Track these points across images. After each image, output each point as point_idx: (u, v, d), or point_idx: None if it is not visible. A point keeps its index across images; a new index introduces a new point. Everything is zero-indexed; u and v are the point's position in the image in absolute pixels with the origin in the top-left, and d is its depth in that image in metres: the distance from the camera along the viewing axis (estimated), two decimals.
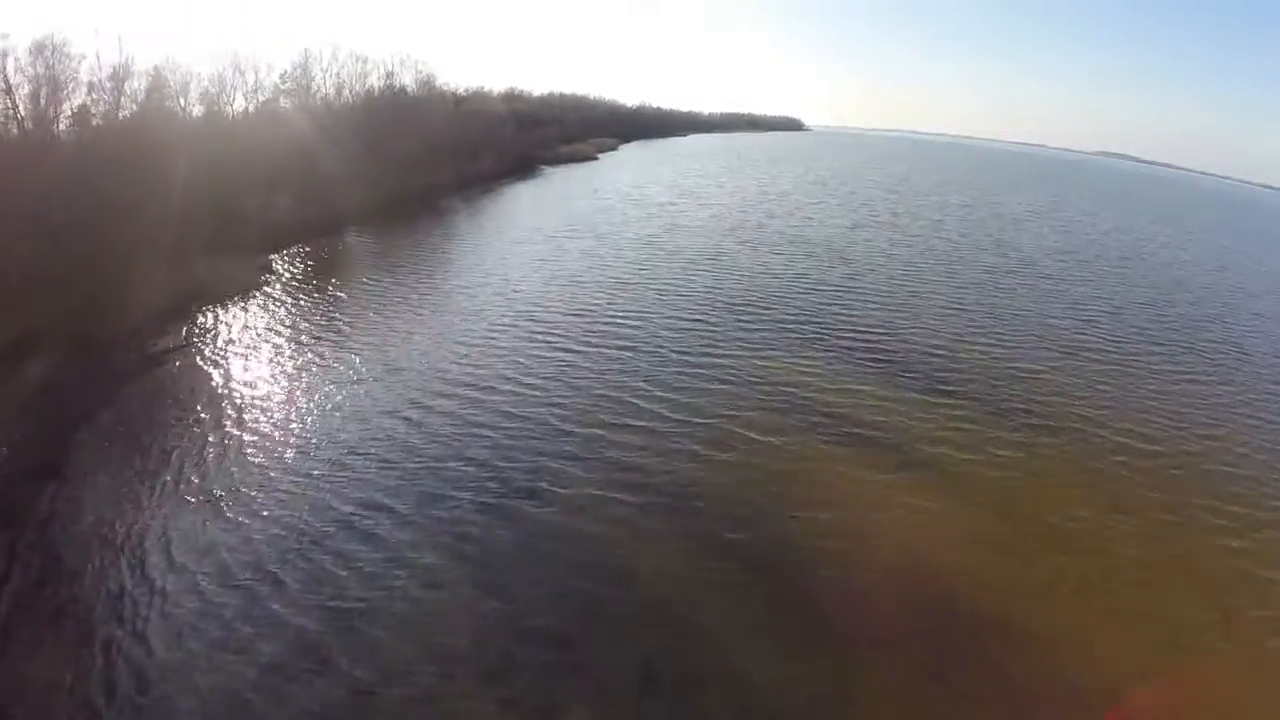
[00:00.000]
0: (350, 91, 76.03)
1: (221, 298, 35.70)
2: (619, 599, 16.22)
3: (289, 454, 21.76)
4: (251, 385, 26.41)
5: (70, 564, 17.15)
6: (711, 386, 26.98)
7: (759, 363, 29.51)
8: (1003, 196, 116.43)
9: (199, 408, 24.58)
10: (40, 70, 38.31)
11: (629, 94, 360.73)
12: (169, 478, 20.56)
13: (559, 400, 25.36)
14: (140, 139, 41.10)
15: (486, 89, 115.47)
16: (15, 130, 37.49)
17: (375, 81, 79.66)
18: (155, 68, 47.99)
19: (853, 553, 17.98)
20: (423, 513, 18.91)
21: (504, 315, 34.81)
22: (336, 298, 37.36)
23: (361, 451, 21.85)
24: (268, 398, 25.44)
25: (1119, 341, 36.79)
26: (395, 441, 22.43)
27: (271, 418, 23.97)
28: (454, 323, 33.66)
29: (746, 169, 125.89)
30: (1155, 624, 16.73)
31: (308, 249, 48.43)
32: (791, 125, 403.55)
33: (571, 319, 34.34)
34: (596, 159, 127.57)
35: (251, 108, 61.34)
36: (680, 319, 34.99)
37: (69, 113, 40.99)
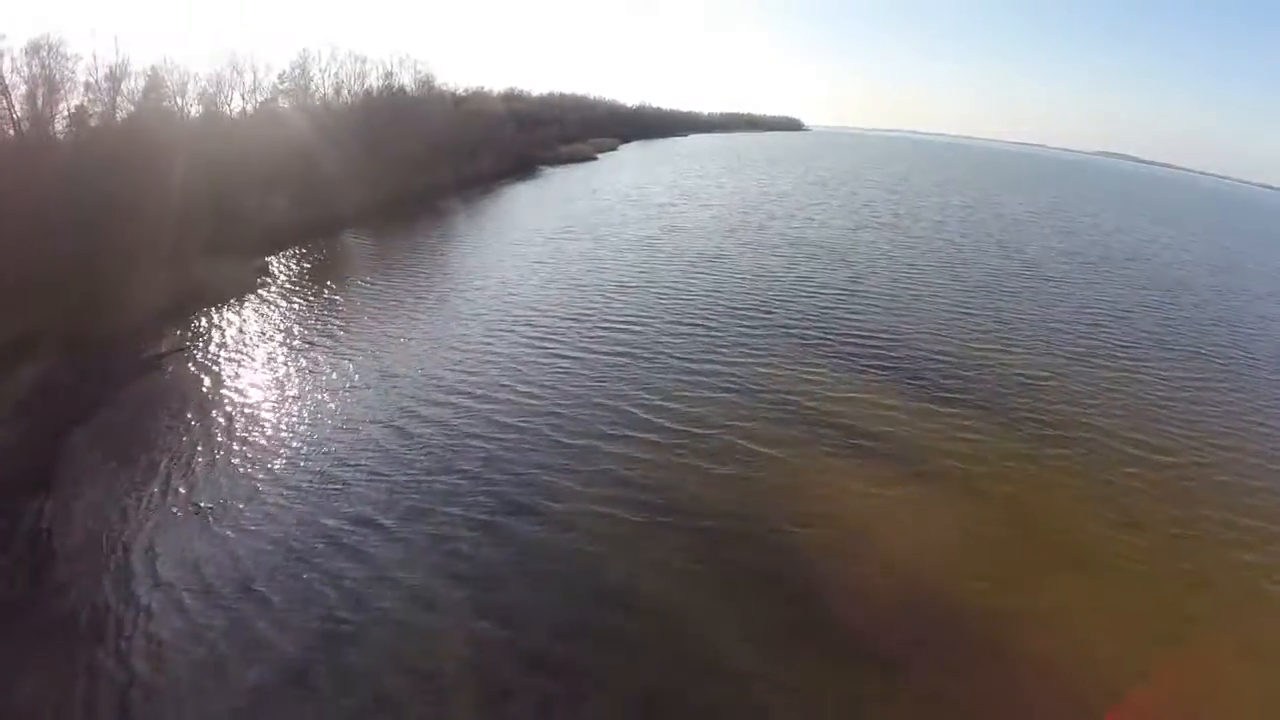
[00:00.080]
0: (349, 91, 75.79)
1: (218, 300, 35.41)
2: (619, 622, 15.62)
3: (278, 464, 21.24)
4: (244, 392, 25.95)
5: (57, 580, 16.79)
6: (713, 395, 26.34)
7: (761, 369, 28.89)
8: (1004, 197, 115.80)
9: (190, 415, 24.19)
10: (36, 70, 37.96)
11: (629, 94, 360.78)
12: (158, 489, 20.16)
13: (555, 409, 24.75)
14: (137, 139, 40.91)
15: (486, 89, 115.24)
16: (11, 131, 37.12)
17: (374, 82, 79.44)
18: (152, 68, 47.77)
19: (859, 570, 17.40)
20: (413, 528, 18.32)
21: (501, 319, 34.25)
22: (332, 301, 36.89)
23: (352, 462, 21.29)
24: (260, 405, 24.95)
25: (1126, 346, 36.19)
26: (386, 452, 21.87)
27: (262, 426, 23.46)
28: (450, 327, 33.09)
29: (746, 169, 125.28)
30: (1170, 644, 16.14)
31: (305, 250, 48.10)
32: (791, 125, 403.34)
33: (569, 323, 33.77)
34: (596, 159, 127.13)
35: (249, 108, 61.04)
36: (680, 323, 34.41)
37: (66, 113, 40.70)
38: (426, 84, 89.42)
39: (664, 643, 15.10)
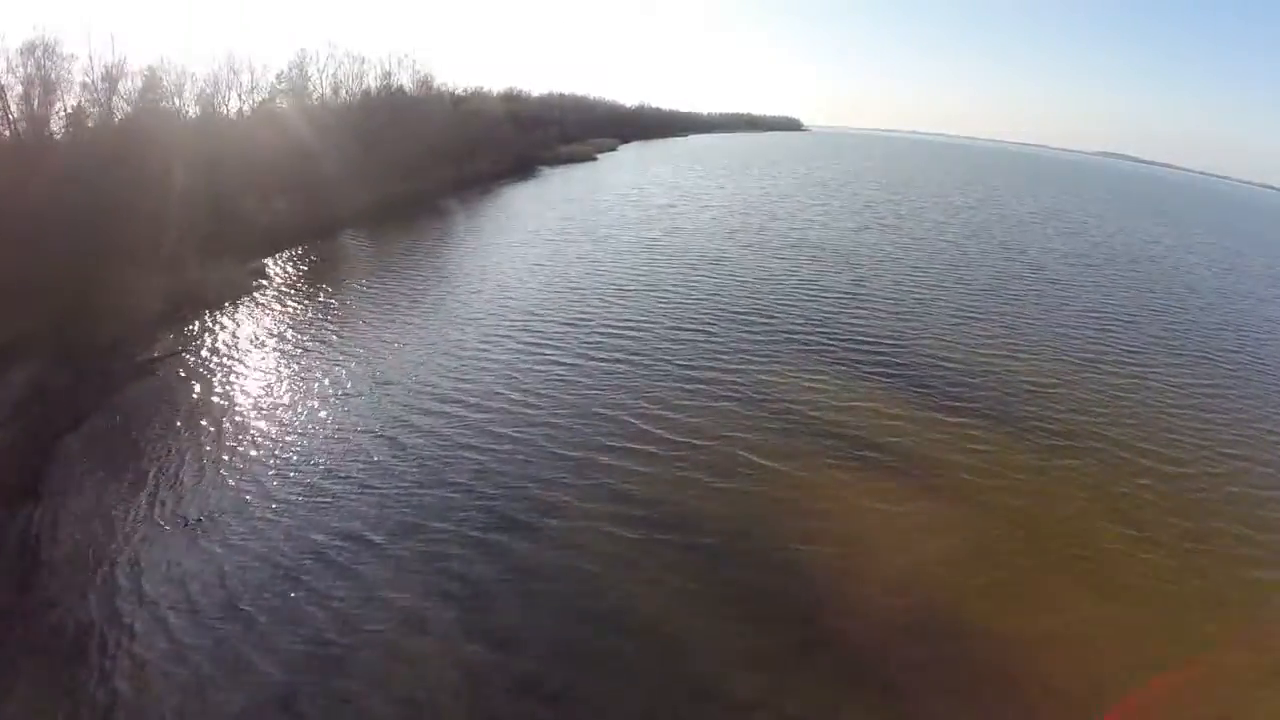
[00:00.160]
0: (347, 91, 75.38)
1: (213, 303, 35.00)
2: (615, 644, 15.02)
3: (268, 476, 20.72)
4: (235, 399, 25.48)
5: (43, 593, 16.43)
6: (713, 404, 25.71)
7: (763, 377, 28.26)
8: (1006, 198, 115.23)
9: (181, 422, 23.78)
10: (31, 71, 37.58)
11: (628, 94, 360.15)
12: (146, 500, 19.74)
13: (551, 419, 24.12)
14: (134, 140, 40.61)
15: (485, 89, 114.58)
16: (7, 133, 36.75)
17: (372, 82, 79.05)
18: (150, 68, 47.43)
19: (864, 588, 16.81)
20: (403, 545, 17.72)
21: (497, 324, 33.68)
22: (327, 305, 36.43)
23: (342, 474, 20.73)
24: (250, 413, 24.46)
25: (1134, 352, 35.60)
26: (377, 464, 21.29)
27: (252, 435, 22.97)
28: (446, 332, 32.52)
29: (746, 170, 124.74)
30: (1184, 667, 15.53)
31: (302, 252, 47.71)
32: (791, 125, 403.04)
33: (567, 329, 33.18)
34: (595, 159, 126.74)
35: (246, 108, 60.64)
36: (681, 329, 33.79)
37: (62, 114, 40.40)
38: (425, 84, 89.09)
39: (662, 666, 14.52)
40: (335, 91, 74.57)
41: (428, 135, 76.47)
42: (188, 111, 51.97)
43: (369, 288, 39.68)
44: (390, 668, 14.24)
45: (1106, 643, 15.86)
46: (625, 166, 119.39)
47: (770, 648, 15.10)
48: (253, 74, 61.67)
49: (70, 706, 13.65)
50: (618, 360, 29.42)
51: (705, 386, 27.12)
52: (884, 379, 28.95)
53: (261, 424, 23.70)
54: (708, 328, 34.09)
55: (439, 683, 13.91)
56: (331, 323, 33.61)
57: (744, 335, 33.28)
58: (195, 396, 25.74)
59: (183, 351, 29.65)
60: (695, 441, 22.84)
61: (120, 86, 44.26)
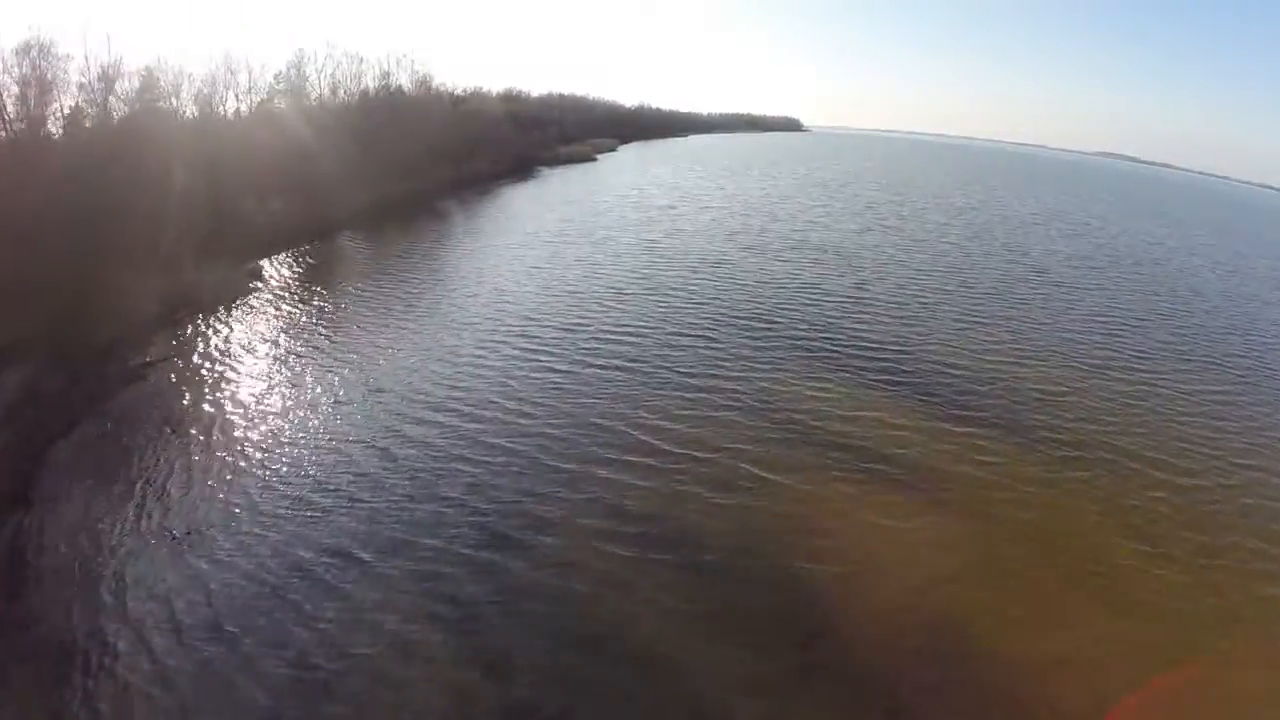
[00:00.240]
0: (345, 92, 74.96)
1: (209, 306, 34.62)
2: (612, 669, 14.43)
3: (256, 488, 20.17)
4: (226, 407, 24.96)
5: (26, 609, 16.01)
6: (714, 414, 25.04)
7: (765, 385, 27.60)
8: (1007, 198, 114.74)
9: (172, 431, 23.33)
10: (27, 71, 37.18)
11: (628, 94, 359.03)
12: (133, 513, 19.24)
13: (547, 429, 23.45)
14: (131, 140, 40.29)
15: (484, 89, 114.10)
16: (3, 133, 36.35)
17: (370, 82, 78.59)
18: (147, 68, 47.08)
19: (870, 609, 16.20)
20: (393, 563, 17.10)
21: (493, 329, 33.11)
22: (323, 308, 35.93)
23: (332, 487, 20.13)
24: (242, 421, 23.92)
25: (1143, 357, 34.97)
26: (368, 476, 20.69)
27: (243, 445, 22.43)
28: (441, 338, 31.93)
29: (747, 170, 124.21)
30: (1202, 689, 15.08)
31: (300, 253, 47.37)
32: (791, 126, 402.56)
33: (565, 334, 32.57)
34: (595, 160, 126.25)
35: (244, 108, 60.24)
36: (681, 334, 33.17)
37: (58, 114, 40.04)
38: (424, 84, 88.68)
39: (659, 692, 13.94)
40: (333, 91, 74.28)
41: (426, 135, 76.06)
42: (185, 112, 51.62)
43: (365, 291, 39.14)
44: (378, 693, 13.67)
45: (1118, 662, 15.30)
46: (625, 167, 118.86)
47: (772, 672, 14.52)
48: (250, 74, 61.34)
49: None
50: (616, 367, 28.79)
51: (705, 395, 26.48)
52: (889, 386, 28.31)
53: (252, 433, 23.17)
54: (708, 333, 33.50)
55: (427, 709, 13.34)
56: (326, 327, 33.07)
57: (745, 340, 32.66)
58: (186, 403, 25.30)
59: (176, 356, 29.25)
60: (695, 454, 22.18)
61: (117, 87, 44.02)
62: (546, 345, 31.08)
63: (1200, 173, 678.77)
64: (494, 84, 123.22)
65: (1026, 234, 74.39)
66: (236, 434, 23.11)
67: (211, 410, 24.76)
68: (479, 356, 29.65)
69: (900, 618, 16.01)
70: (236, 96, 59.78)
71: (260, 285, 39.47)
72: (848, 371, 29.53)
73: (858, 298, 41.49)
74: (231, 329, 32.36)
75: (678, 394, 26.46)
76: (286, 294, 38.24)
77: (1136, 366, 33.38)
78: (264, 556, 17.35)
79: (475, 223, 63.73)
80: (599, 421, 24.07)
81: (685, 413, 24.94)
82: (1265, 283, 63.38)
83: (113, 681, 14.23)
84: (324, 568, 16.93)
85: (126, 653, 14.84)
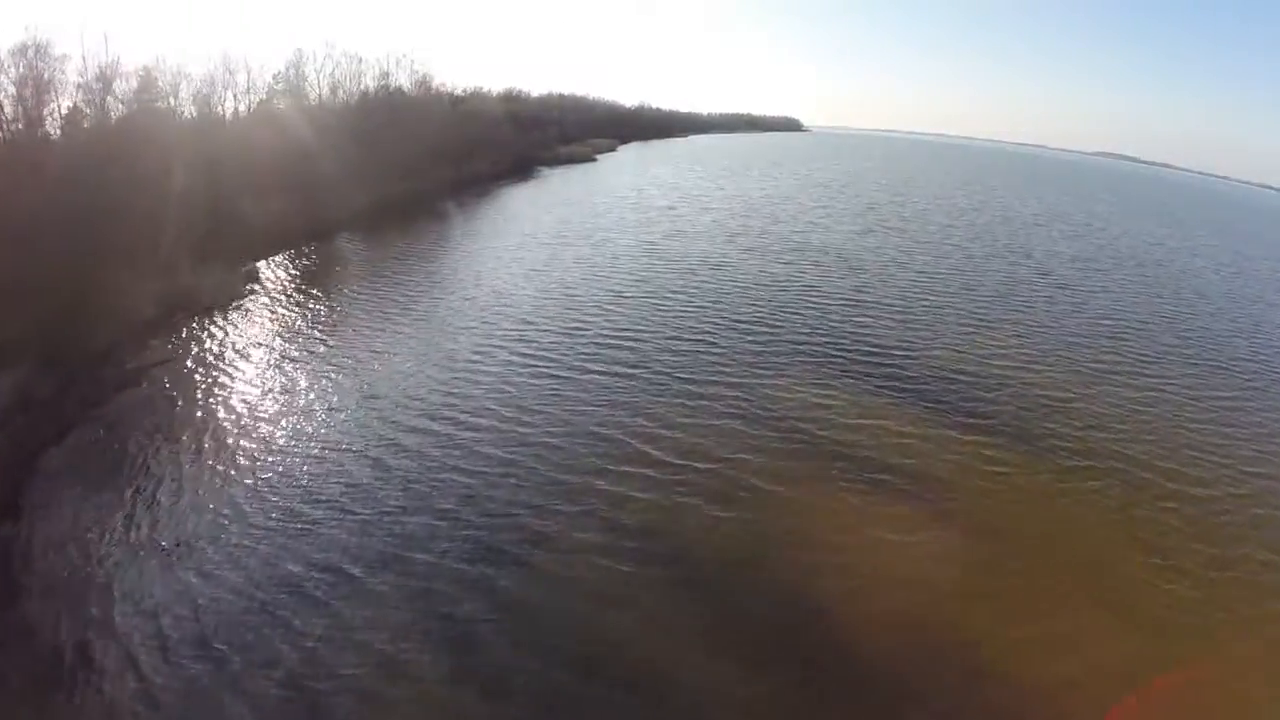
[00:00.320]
0: (344, 92, 74.68)
1: (205, 309, 34.28)
2: (612, 691, 13.98)
3: (247, 498, 19.74)
4: (218, 414, 24.60)
5: (12, 622, 15.75)
6: (715, 422, 24.48)
7: (767, 391, 27.07)
8: (1009, 199, 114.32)
9: (163, 439, 22.95)
10: (23, 71, 36.86)
11: (628, 94, 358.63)
12: (122, 523, 18.88)
13: (544, 439, 22.90)
14: (128, 141, 39.99)
15: (484, 89, 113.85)
16: (1, 134, 36.02)
17: (370, 82, 78.29)
18: (145, 68, 46.77)
19: (877, 628, 15.71)
20: (383, 579, 16.62)
21: (490, 334, 32.62)
22: (319, 312, 35.51)
23: (323, 498, 19.68)
24: (233, 429, 23.51)
25: (1149, 362, 34.46)
26: (360, 487, 20.22)
27: (234, 454, 22.02)
28: (437, 342, 31.46)
29: (747, 171, 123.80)
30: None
31: (297, 254, 47.00)
32: (791, 126, 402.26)
33: (563, 339, 32.05)
34: (595, 160, 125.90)
35: (242, 108, 59.94)
36: (680, 338, 32.66)
37: (57, 115, 39.77)
38: (423, 84, 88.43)
39: (660, 714, 13.50)
40: (333, 92, 74.09)
41: (426, 136, 75.71)
42: (184, 112, 51.33)
43: (362, 293, 38.72)
44: (367, 715, 13.25)
45: (1131, 684, 14.86)
46: (625, 167, 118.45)
47: (775, 691, 14.09)
48: (249, 74, 61.13)
49: None
50: (614, 373, 28.28)
51: (706, 402, 25.97)
52: (894, 393, 27.78)
53: (244, 440, 22.74)
54: (709, 337, 33.00)
55: None
56: (321, 331, 32.64)
57: (747, 345, 32.15)
58: (179, 410, 24.95)
59: (171, 360, 28.91)
60: (696, 464, 21.65)
61: (115, 87, 43.77)
62: (544, 349, 30.62)
63: (1200, 173, 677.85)
64: (494, 84, 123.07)
65: (1029, 235, 73.92)
66: (228, 441, 22.71)
67: (204, 417, 24.40)
68: (475, 361, 29.18)
69: (906, 635, 15.55)
70: (235, 97, 59.62)
71: (257, 288, 39.08)
72: (851, 377, 29.02)
73: (861, 301, 40.99)
74: (227, 333, 31.94)
75: (678, 401, 25.96)
76: (283, 297, 37.82)
77: (1143, 371, 32.89)
78: (253, 570, 16.93)
79: (474, 224, 63.31)
80: (597, 430, 23.57)
81: (685, 420, 24.44)
82: (1269, 284, 62.99)
83: (99, 699, 13.92)
84: (313, 583, 16.47)
85: (113, 670, 14.51)
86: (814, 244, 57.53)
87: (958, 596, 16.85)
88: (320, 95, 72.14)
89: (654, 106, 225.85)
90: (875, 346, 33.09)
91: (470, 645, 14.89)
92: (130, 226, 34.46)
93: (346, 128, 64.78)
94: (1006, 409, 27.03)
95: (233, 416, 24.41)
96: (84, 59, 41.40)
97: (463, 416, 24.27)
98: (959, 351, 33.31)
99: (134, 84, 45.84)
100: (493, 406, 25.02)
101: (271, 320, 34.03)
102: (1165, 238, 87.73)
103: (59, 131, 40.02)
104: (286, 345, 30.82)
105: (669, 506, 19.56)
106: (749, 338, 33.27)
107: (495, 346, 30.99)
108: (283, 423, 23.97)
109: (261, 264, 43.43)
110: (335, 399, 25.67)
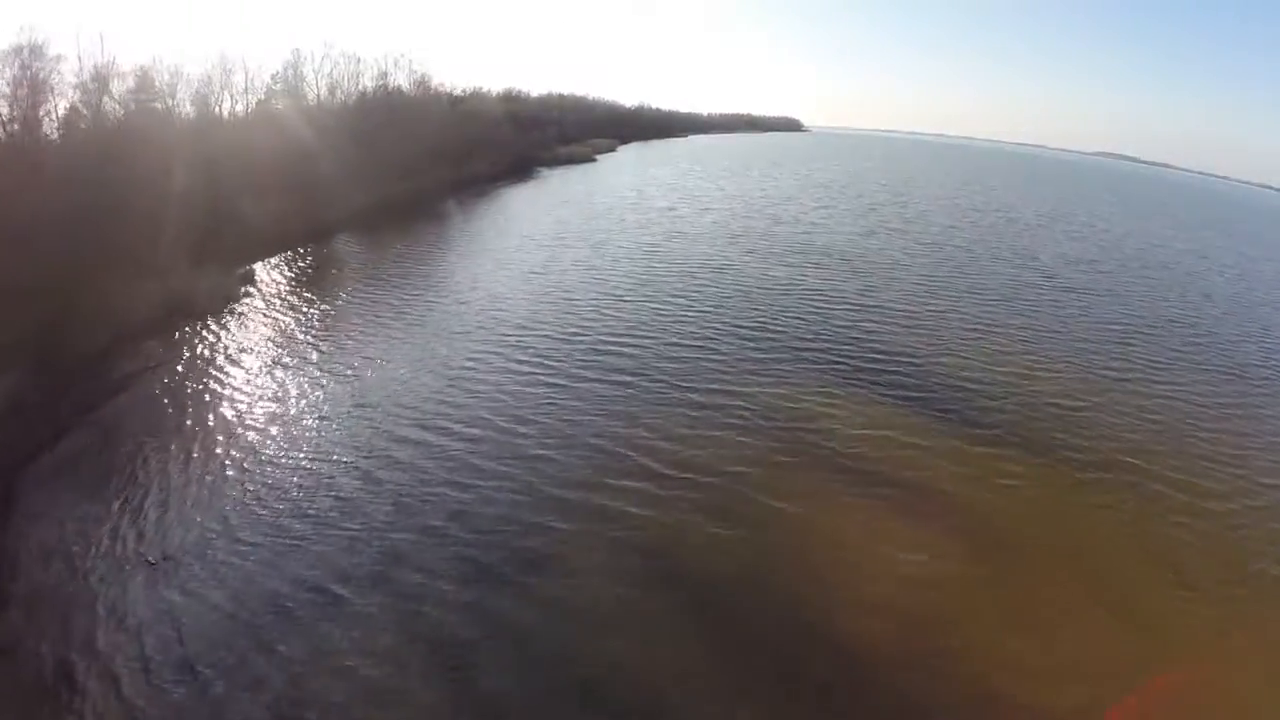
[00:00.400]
0: (343, 92, 74.23)
1: (200, 312, 33.82)
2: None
3: (234, 511, 19.18)
4: (208, 423, 24.07)
5: None
6: (717, 433, 23.72)
7: (771, 401, 26.29)
8: (1010, 199, 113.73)
9: (152, 448, 22.46)
10: (18, 72, 36.43)
11: (628, 94, 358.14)
12: (107, 536, 18.38)
13: (540, 451, 22.18)
14: (125, 141, 39.65)
15: (484, 89, 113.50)
16: None
17: (368, 82, 77.88)
18: (141, 68, 46.34)
19: (887, 656, 15.05)
20: (372, 599, 15.96)
21: (487, 339, 31.97)
22: (314, 315, 34.97)
23: (312, 513, 19.05)
24: (223, 439, 22.95)
25: (1159, 368, 33.76)
26: (350, 501, 19.56)
27: (222, 464, 21.48)
28: (433, 348, 30.82)
29: (747, 171, 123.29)
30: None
31: (294, 256, 46.53)
32: (791, 126, 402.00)
33: (561, 345, 31.38)
34: (595, 160, 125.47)
35: (240, 109, 59.56)
36: (680, 344, 31.98)
37: (53, 116, 39.36)
38: (422, 84, 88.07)
39: None
40: (331, 92, 73.76)
41: (425, 136, 75.33)
42: (181, 112, 50.88)
43: (358, 297, 38.15)
44: None
45: (1151, 711, 14.33)
46: (625, 168, 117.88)
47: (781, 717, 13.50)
48: (247, 74, 60.72)
49: None
50: (613, 381, 27.58)
51: (707, 411, 25.24)
52: (899, 401, 27.04)
53: (233, 451, 22.14)
54: (710, 343, 32.28)
55: None
56: (315, 336, 32.08)
57: (749, 352, 31.42)
58: (169, 417, 24.48)
59: (163, 365, 28.48)
60: (698, 479, 20.90)
61: (112, 87, 43.34)
62: (541, 356, 29.98)
63: (1200, 173, 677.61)
64: (493, 84, 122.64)
65: (1033, 236, 73.26)
66: (217, 451, 22.18)
67: (194, 425, 23.93)
68: (470, 369, 28.52)
69: (914, 658, 14.93)
70: (232, 97, 59.19)
71: (252, 290, 38.60)
72: (856, 385, 28.29)
73: (864, 305, 40.29)
74: (220, 338, 31.47)
75: (678, 410, 25.26)
76: (279, 300, 37.28)
77: (1154, 378, 32.20)
78: (238, 588, 16.36)
79: (473, 225, 62.77)
80: (594, 441, 22.85)
81: (685, 432, 23.70)
82: (1274, 286, 62.41)
83: None
84: (300, 603, 15.85)
85: (94, 691, 14.03)
86: (816, 246, 56.89)
87: (971, 620, 16.16)
88: (318, 95, 71.90)
89: (654, 107, 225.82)
90: (880, 352, 32.38)
91: (462, 670, 14.24)
92: (126, 228, 34.25)
93: (345, 128, 64.41)
94: (1015, 418, 26.34)
95: (223, 425, 23.88)
96: (79, 59, 41.10)
97: (456, 427, 23.60)
98: (965, 357, 32.61)
99: (131, 84, 45.51)
100: (487, 416, 24.34)
101: (265, 325, 33.47)
102: (1169, 239, 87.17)
103: (56, 132, 39.62)
104: (280, 351, 30.26)
105: (669, 523, 18.85)
106: (751, 343, 32.58)
107: (491, 352, 30.33)
108: (273, 431, 23.40)
109: (258, 266, 43.01)
110: (327, 407, 25.06)
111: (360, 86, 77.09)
